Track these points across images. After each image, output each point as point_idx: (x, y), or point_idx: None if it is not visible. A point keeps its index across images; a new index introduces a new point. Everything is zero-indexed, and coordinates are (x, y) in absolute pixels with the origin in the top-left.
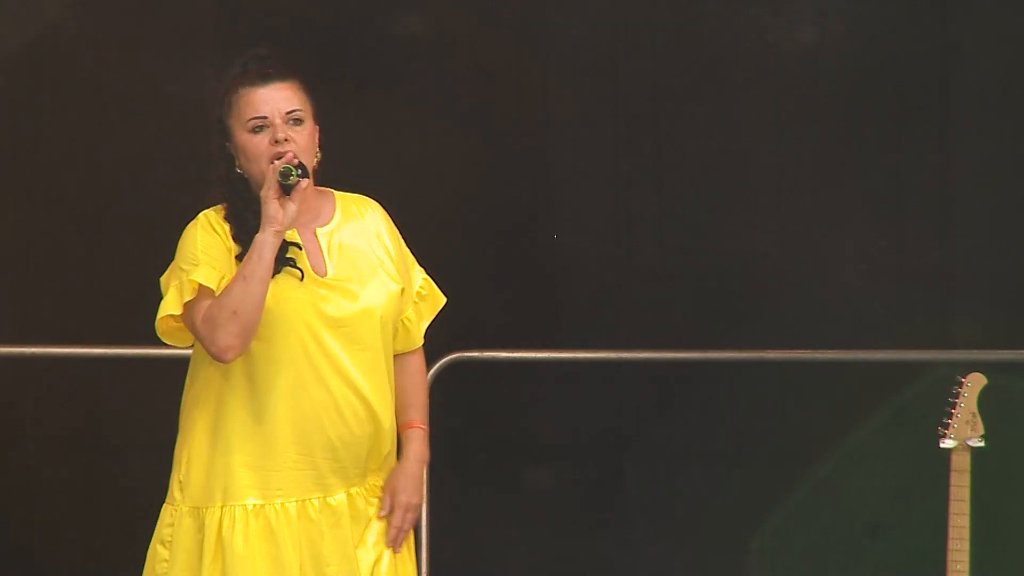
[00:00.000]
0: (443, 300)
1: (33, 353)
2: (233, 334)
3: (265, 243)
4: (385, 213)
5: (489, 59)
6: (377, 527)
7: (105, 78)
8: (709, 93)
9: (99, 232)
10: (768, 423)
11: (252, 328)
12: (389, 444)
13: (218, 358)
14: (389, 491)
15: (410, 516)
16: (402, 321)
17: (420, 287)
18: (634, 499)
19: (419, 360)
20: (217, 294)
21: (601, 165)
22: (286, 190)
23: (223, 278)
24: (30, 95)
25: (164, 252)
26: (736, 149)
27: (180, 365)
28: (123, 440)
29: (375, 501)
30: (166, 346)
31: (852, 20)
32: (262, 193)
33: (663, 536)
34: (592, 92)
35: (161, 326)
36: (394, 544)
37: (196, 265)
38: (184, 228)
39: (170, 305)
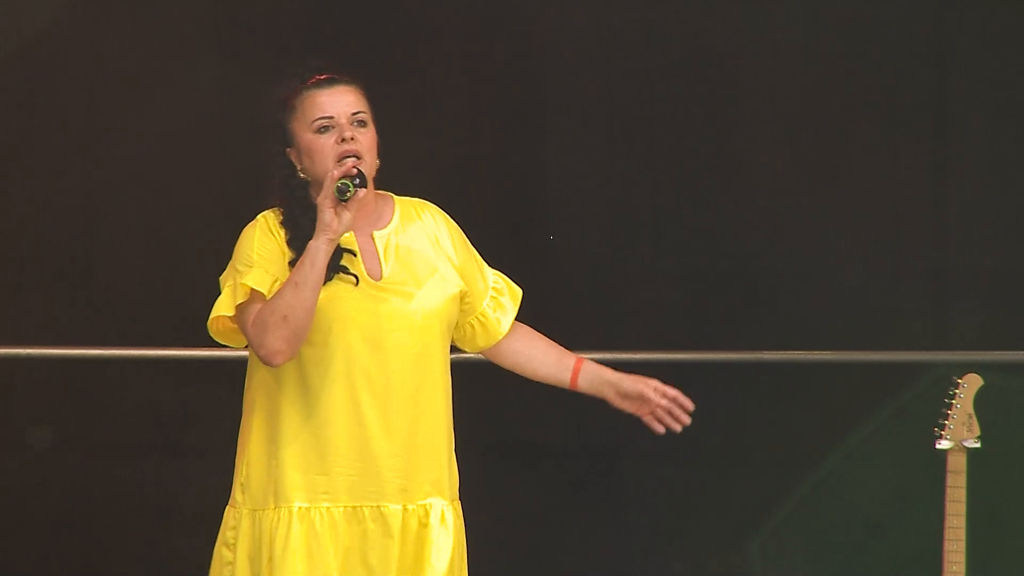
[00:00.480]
0: (519, 291)
1: (29, 354)
2: (282, 339)
3: (318, 250)
4: (447, 216)
5: (483, 59)
6: (446, 554)
7: (101, 79)
8: (703, 93)
9: (96, 232)
10: (764, 424)
11: (301, 334)
12: (445, 454)
13: (266, 362)
14: (646, 384)
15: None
16: (477, 318)
17: (494, 283)
18: (628, 500)
19: (525, 329)
20: (269, 298)
21: (596, 166)
22: (343, 200)
23: (275, 282)
24: (24, 96)
25: (161, 253)
26: (731, 149)
27: (176, 367)
28: (118, 442)
29: (439, 524)
30: (164, 347)
31: (847, 20)
32: (318, 200)
33: (658, 538)
34: (587, 92)
35: (214, 326)
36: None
37: (250, 267)
38: (243, 228)
39: (222, 307)
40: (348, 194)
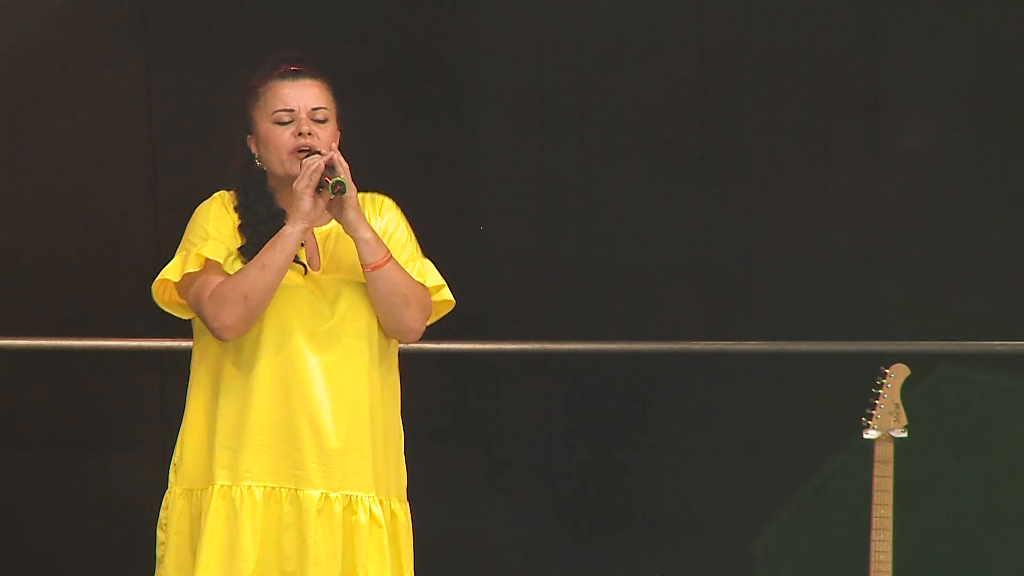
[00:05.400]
0: (451, 303)
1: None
2: (237, 316)
3: (292, 236)
4: (394, 206)
5: (415, 50)
6: (377, 555)
7: (25, 69)
8: (634, 85)
9: (21, 223)
10: (701, 416)
11: (257, 314)
12: (371, 447)
13: (217, 335)
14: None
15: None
16: None
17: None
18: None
19: None
20: (231, 275)
21: (527, 157)
22: (319, 189)
23: (230, 255)
24: None
25: (86, 243)
26: (661, 141)
27: (103, 356)
28: (47, 434)
29: (369, 520)
30: (93, 337)
31: (779, 13)
32: (296, 186)
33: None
34: (518, 83)
35: (159, 292)
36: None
37: (206, 240)
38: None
39: (170, 271)
40: (342, 191)
